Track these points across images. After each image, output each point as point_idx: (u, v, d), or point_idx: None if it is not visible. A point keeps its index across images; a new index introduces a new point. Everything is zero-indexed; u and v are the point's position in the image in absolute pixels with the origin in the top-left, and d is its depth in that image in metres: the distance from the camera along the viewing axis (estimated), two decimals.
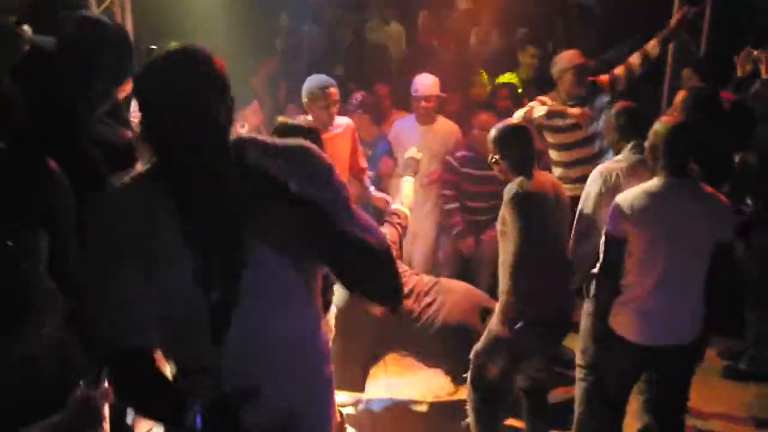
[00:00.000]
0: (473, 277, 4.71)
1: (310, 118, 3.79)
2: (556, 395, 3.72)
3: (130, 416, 2.65)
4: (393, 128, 4.99)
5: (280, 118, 3.17)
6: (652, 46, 4.42)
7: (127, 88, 2.89)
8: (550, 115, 4.16)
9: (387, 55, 6.75)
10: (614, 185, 3.16)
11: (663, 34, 4.42)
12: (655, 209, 2.83)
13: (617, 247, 2.87)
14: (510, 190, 3.10)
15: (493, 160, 3.26)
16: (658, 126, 2.96)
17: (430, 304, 3.63)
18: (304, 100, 3.99)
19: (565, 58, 4.34)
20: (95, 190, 1.83)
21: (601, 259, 2.93)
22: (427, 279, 3.84)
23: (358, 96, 5.11)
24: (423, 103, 4.76)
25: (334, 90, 3.96)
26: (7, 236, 1.64)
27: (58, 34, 2.19)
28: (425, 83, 4.79)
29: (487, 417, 3.31)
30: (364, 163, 4.35)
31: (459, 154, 4.73)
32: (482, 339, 3.27)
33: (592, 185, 3.25)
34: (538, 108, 4.16)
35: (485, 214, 4.71)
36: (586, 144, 4.29)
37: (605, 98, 4.31)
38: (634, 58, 4.43)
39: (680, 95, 3.87)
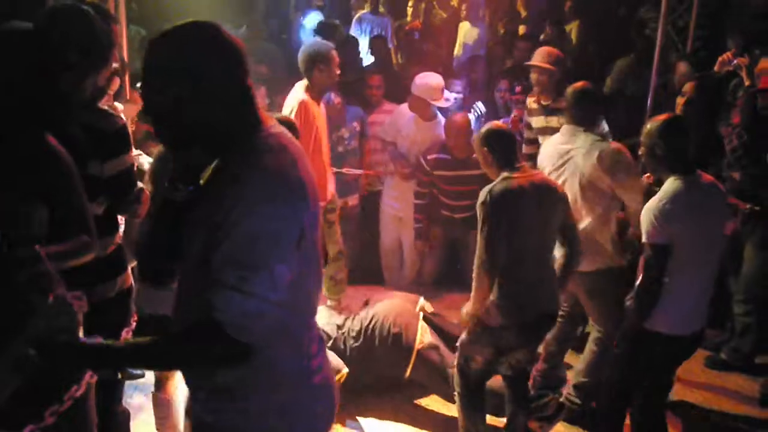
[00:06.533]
0: (463, 265, 4.79)
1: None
2: None
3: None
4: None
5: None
6: None
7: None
8: None
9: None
10: None
11: None
12: (692, 209, 2.90)
13: (666, 254, 2.91)
14: (482, 194, 3.09)
15: (481, 156, 3.26)
16: (654, 125, 2.99)
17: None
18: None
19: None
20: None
21: (650, 270, 2.96)
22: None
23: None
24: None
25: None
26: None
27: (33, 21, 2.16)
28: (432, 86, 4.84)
29: (473, 403, 3.40)
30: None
31: (431, 156, 4.75)
32: (467, 330, 3.30)
33: None
34: None
35: (464, 211, 4.77)
36: None
37: None
38: None
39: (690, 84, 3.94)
